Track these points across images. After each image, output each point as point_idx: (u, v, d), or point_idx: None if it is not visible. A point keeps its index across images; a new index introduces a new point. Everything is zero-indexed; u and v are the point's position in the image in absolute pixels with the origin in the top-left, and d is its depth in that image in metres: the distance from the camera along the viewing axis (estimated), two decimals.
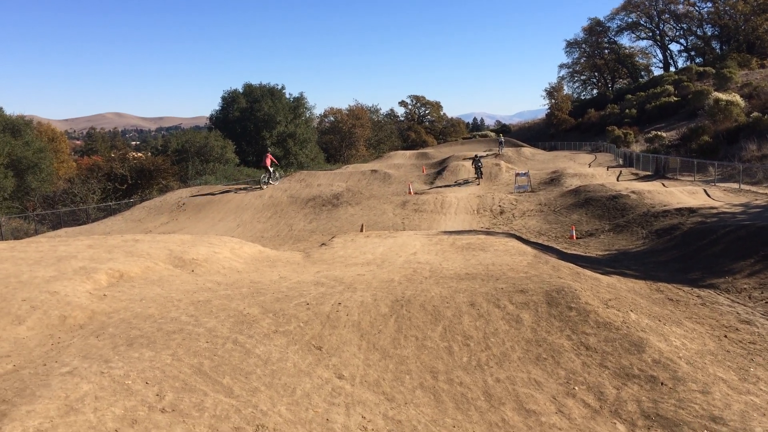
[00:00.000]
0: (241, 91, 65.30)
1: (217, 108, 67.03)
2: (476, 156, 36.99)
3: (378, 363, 6.66)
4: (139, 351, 5.87)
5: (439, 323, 7.54)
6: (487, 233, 15.75)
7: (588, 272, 11.24)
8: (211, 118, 68.02)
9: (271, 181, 31.21)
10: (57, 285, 7.96)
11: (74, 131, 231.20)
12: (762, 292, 10.92)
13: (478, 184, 33.68)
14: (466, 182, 35.24)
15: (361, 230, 19.04)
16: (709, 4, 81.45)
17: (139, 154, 50.26)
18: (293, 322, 7.17)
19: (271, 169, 31.22)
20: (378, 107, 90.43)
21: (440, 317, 7.66)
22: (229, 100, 65.01)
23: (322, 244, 14.74)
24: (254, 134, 61.90)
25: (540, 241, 18.34)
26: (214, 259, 10.84)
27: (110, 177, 38.76)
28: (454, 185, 34.63)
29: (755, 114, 34.44)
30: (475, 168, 34.99)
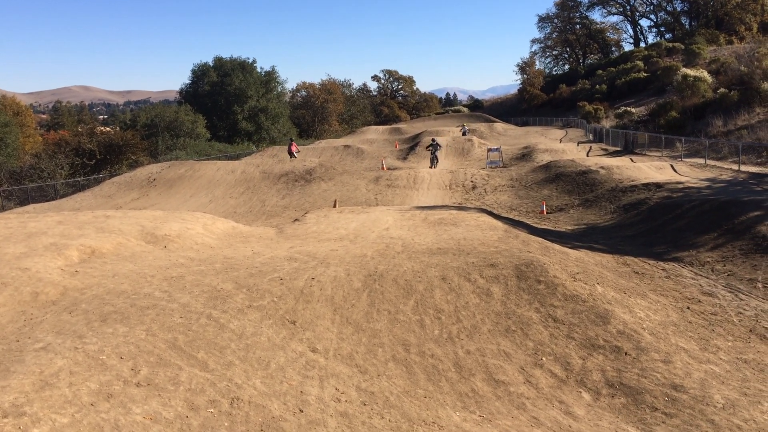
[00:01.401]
0: (211, 64, 64.26)
1: (187, 82, 65.95)
2: (433, 141, 31.03)
3: (351, 336, 6.78)
4: (113, 326, 5.89)
5: (411, 297, 7.67)
6: (459, 208, 15.91)
7: (557, 246, 11.48)
8: (181, 92, 66.89)
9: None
10: (28, 261, 7.90)
11: (39, 105, 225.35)
12: (724, 265, 11.27)
13: (431, 168, 28.99)
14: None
15: (334, 206, 19.07)
16: None
17: (108, 129, 49.29)
18: (267, 296, 7.23)
19: (295, 157, 34.73)
20: (351, 82, 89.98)
21: (412, 291, 7.79)
22: (200, 73, 63.96)
23: (296, 219, 14.77)
24: (225, 109, 61.12)
25: (511, 216, 18.58)
26: (187, 234, 10.82)
27: (78, 152, 38.00)
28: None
29: (722, 90, 35.01)
30: (431, 156, 30.26)
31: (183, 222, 11.59)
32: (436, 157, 29.72)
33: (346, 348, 6.52)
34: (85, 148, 38.24)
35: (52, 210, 23.57)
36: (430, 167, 28.66)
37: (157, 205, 23.67)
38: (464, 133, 48.22)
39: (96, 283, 7.45)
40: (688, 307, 8.77)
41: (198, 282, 7.55)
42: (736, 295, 9.50)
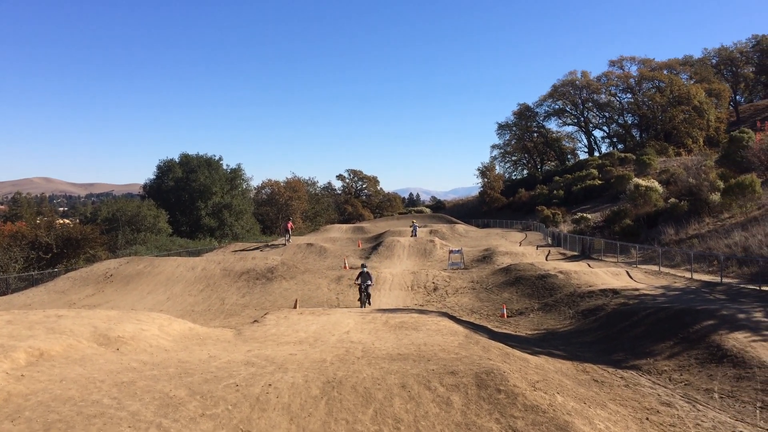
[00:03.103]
0: (177, 161, 64.75)
1: (152, 177, 66.10)
2: (362, 268, 20.80)
3: None
4: None
5: (370, 406, 7.52)
6: (420, 312, 15.90)
7: (517, 353, 11.48)
8: (144, 186, 66.86)
9: (289, 241, 42.13)
10: None
11: None
12: (681, 374, 11.38)
13: (362, 308, 18.96)
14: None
15: (295, 306, 18.87)
16: (629, 95, 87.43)
17: (67, 222, 48.60)
18: (221, 404, 7.01)
19: (290, 233, 42.31)
20: (315, 180, 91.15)
21: (371, 399, 7.65)
22: (165, 169, 64.26)
23: (255, 320, 14.53)
24: (189, 204, 61.08)
25: (472, 319, 18.60)
26: (141, 336, 10.53)
27: (34, 245, 37.17)
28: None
29: (672, 200, 36.57)
30: (360, 289, 20.34)
31: (138, 323, 11.30)
32: (368, 293, 20.24)
33: None
34: (42, 241, 37.45)
35: (2, 305, 22.77)
36: (361, 307, 19.65)
37: (113, 302, 23.07)
38: (414, 231, 46.41)
39: (42, 389, 7.14)
40: (647, 418, 8.76)
41: (150, 388, 7.30)
42: (693, 405, 9.55)
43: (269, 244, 44.29)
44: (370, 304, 20.35)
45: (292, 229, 43.04)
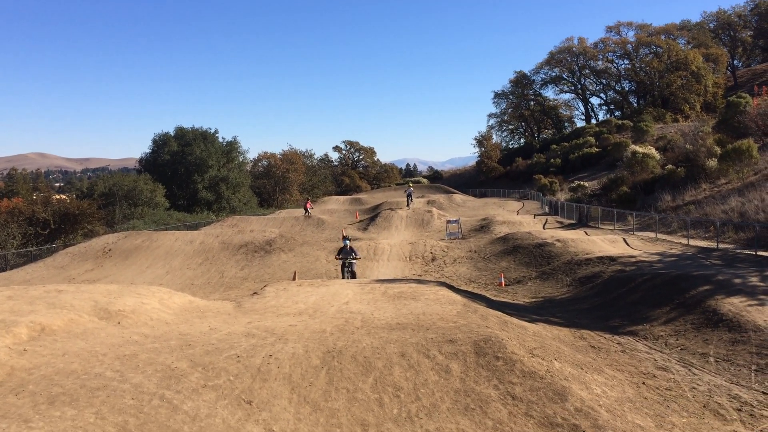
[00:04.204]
0: (172, 134, 64.43)
1: (148, 151, 65.87)
2: (344, 241, 19.07)
3: (309, 417, 6.66)
4: (60, 409, 5.69)
5: (370, 374, 7.61)
6: (419, 281, 15.99)
7: (515, 320, 11.58)
8: (140, 160, 66.65)
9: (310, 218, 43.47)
10: None
11: None
12: (677, 339, 11.51)
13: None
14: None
15: (294, 278, 18.96)
16: (626, 62, 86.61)
17: (63, 197, 48.52)
18: (223, 375, 7.09)
19: (308, 212, 44.16)
20: (312, 152, 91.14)
21: (371, 368, 7.74)
22: (160, 143, 63.97)
23: (254, 293, 14.61)
24: (185, 178, 60.97)
25: (470, 289, 18.73)
26: (142, 310, 10.59)
27: (31, 221, 37.17)
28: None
29: (669, 166, 36.55)
30: (343, 265, 18.55)
31: (138, 297, 11.36)
32: (351, 269, 18.37)
33: (303, 429, 6.40)
34: (39, 216, 37.43)
35: (1, 282, 22.85)
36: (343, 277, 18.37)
37: (112, 277, 23.17)
38: (409, 195, 46.33)
39: (45, 363, 7.21)
40: (644, 383, 8.89)
41: (152, 360, 7.37)
42: (689, 369, 9.68)
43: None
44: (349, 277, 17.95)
45: (311, 208, 46.10)
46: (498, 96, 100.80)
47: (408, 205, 45.03)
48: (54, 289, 11.47)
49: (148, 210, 48.98)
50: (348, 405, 6.97)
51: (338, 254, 18.80)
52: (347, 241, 18.86)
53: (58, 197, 46.20)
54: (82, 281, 22.33)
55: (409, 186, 49.64)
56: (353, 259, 18.35)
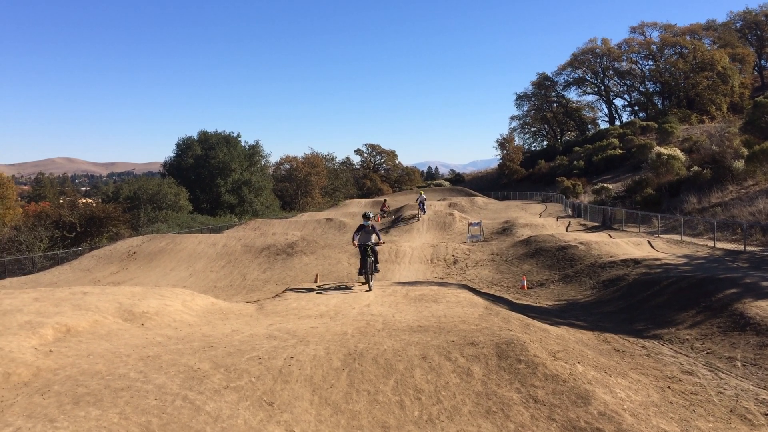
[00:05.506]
0: (196, 138, 65.10)
1: (172, 155, 66.64)
2: (364, 219, 15.20)
3: (330, 418, 6.66)
4: (85, 409, 5.76)
5: (391, 377, 7.60)
6: (440, 284, 15.93)
7: (537, 323, 11.48)
8: (165, 164, 67.49)
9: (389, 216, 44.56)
10: (1, 341, 7.75)
11: (22, 176, 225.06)
12: (703, 343, 11.32)
13: (369, 289, 14.00)
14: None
15: (315, 280, 19.01)
16: (651, 62, 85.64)
17: (90, 201, 49.27)
18: (245, 377, 7.13)
19: (384, 212, 45.49)
20: (334, 155, 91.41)
21: (392, 371, 7.72)
22: (184, 147, 64.69)
23: (276, 295, 14.67)
24: (209, 181, 61.58)
25: (492, 291, 18.62)
26: (165, 312, 10.70)
27: (58, 224, 37.80)
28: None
29: (695, 168, 36.04)
30: (361, 251, 14.97)
31: (162, 298, 11.47)
32: (374, 257, 14.88)
33: (325, 431, 6.40)
34: (65, 220, 38.03)
35: (29, 284, 23.24)
36: (364, 284, 14.83)
37: (137, 279, 23.44)
38: (421, 203, 40.82)
39: (70, 363, 7.31)
40: (669, 387, 8.75)
41: (175, 362, 7.44)
42: (716, 373, 9.52)
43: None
44: (377, 271, 15.03)
45: (387, 208, 47.67)
46: (520, 98, 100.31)
47: (418, 217, 39.76)
48: (79, 291, 11.63)
49: (172, 213, 49.55)
50: (369, 407, 6.96)
51: (355, 236, 15.04)
52: (368, 221, 14.90)
53: (84, 201, 46.91)
54: (108, 283, 22.63)
55: (421, 193, 44.24)
56: (374, 244, 14.79)
